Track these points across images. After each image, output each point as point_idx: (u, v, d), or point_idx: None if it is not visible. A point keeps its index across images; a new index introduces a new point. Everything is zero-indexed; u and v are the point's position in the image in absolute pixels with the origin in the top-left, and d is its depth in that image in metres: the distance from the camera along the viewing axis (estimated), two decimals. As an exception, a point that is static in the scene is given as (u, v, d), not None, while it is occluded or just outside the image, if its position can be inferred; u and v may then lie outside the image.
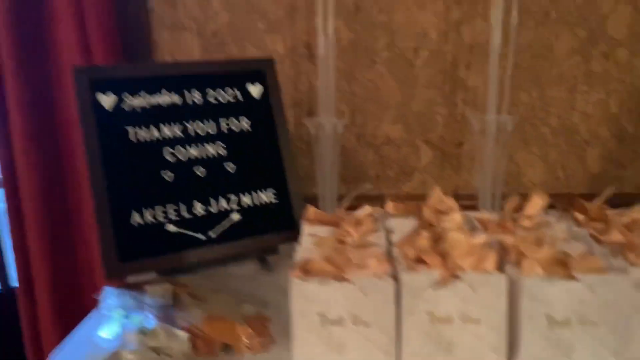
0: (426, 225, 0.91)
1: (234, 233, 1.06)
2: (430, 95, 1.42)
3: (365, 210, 0.97)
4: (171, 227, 1.02)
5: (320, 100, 1.24)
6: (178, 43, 1.42)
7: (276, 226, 1.09)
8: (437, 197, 0.96)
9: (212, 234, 1.04)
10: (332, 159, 1.27)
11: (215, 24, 1.41)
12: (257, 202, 1.09)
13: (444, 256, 0.78)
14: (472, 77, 1.40)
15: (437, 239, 0.83)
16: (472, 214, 0.98)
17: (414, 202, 1.00)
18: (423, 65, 1.40)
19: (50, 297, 1.31)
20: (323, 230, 0.92)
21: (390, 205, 1.00)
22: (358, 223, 0.92)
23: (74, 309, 1.35)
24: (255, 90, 1.14)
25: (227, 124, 1.10)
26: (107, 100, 1.02)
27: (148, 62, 1.40)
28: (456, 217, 0.89)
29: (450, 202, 0.95)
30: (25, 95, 1.24)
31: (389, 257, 0.81)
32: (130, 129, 1.03)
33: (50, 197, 1.30)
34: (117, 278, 0.97)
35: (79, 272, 1.37)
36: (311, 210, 0.97)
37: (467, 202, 1.43)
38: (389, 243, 0.87)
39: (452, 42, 1.38)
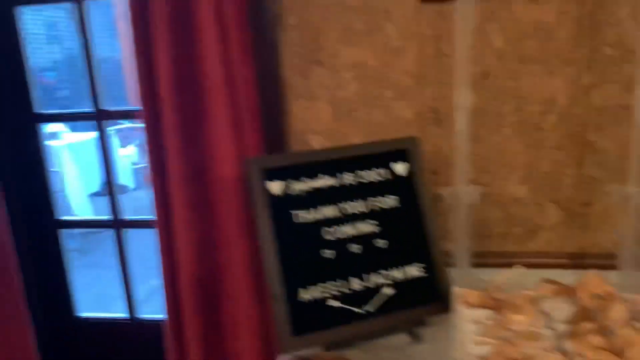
0: (586, 313, 0.95)
1: (388, 307, 1.14)
2: (557, 157, 1.45)
3: (521, 294, 1.02)
4: (333, 302, 1.12)
5: (457, 169, 1.30)
6: (311, 111, 1.53)
7: (425, 299, 1.17)
8: (593, 282, 1.00)
9: (369, 307, 1.13)
10: (466, 221, 1.33)
11: (345, 91, 1.51)
12: (407, 276, 1.17)
13: (619, 355, 0.82)
14: (602, 140, 1.41)
15: (605, 332, 0.87)
16: (629, 297, 1.01)
17: (566, 285, 1.04)
18: (551, 129, 1.43)
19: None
20: (481, 314, 0.99)
21: (543, 287, 1.04)
22: (517, 308, 0.98)
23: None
24: (400, 168, 1.23)
25: (377, 202, 1.19)
26: (275, 187, 1.13)
27: (284, 127, 1.52)
28: (619, 309, 0.92)
29: (608, 288, 0.99)
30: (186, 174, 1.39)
31: (562, 352, 0.86)
32: (294, 212, 1.13)
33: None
34: (290, 351, 1.08)
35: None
36: (466, 292, 1.03)
37: (597, 261, 1.46)
38: (554, 332, 0.92)
39: (581, 105, 1.41)
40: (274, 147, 1.52)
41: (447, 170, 1.48)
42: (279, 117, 1.55)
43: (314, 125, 1.54)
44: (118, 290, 1.91)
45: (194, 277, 1.46)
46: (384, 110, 1.50)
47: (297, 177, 1.15)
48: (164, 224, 1.46)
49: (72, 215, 4.43)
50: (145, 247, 2.15)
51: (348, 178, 1.19)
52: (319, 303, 1.11)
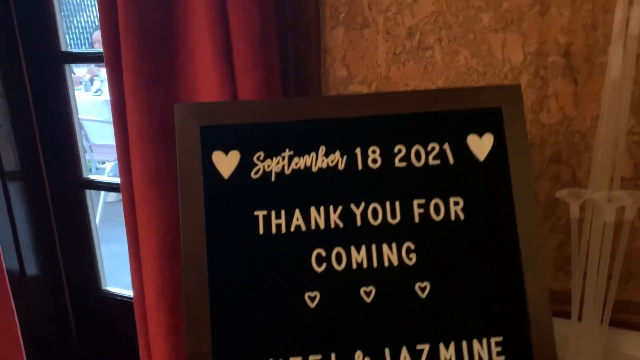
0: None
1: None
2: None
3: None
4: (311, 395, 0.57)
5: (599, 159, 0.67)
6: (356, 46, 0.96)
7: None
8: None
9: (382, 415, 0.58)
10: (606, 250, 0.70)
11: (412, 14, 0.92)
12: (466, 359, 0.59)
13: None
14: None
15: None
16: None
17: None
18: None
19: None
20: None
21: None
22: None
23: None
24: (479, 146, 0.63)
25: (424, 208, 0.61)
26: (225, 163, 0.60)
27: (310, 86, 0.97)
28: None
29: None
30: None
31: None
32: (258, 214, 0.60)
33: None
34: None
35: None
36: None
37: None
38: None
39: None
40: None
41: (578, 160, 0.86)
42: (304, 54, 1.00)
43: (361, 69, 0.98)
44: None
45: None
46: (475, 49, 0.89)
47: (270, 147, 0.61)
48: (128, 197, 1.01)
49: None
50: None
51: (372, 156, 0.62)
52: (285, 392, 0.57)
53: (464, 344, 0.59)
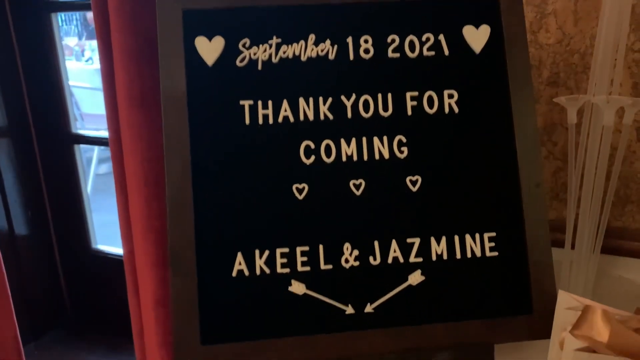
0: None
1: (411, 309, 0.56)
2: None
3: None
4: (298, 287, 0.55)
5: (596, 60, 0.65)
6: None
7: (494, 304, 0.57)
8: None
9: (369, 307, 0.56)
10: (602, 166, 0.68)
11: None
12: (458, 255, 0.57)
13: None
14: None
15: None
16: None
17: None
18: None
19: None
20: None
21: None
22: None
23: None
24: (475, 37, 0.60)
25: (417, 101, 0.59)
26: (209, 49, 0.57)
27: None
28: None
29: None
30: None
31: None
32: (244, 103, 0.57)
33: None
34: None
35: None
36: (585, 306, 0.42)
37: None
38: None
39: None
40: None
41: (576, 82, 0.84)
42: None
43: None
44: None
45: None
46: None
47: (257, 34, 0.58)
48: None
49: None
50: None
51: (364, 46, 0.59)
52: (272, 286, 0.55)
53: (456, 238, 0.57)
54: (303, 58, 0.58)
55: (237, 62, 0.57)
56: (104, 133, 1.48)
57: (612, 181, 0.68)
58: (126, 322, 1.05)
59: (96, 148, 3.20)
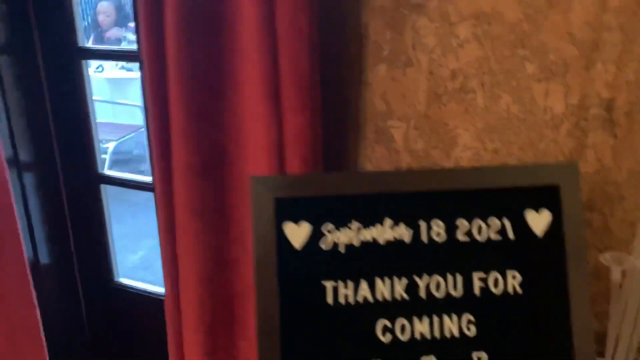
0: None
1: None
2: None
3: None
4: None
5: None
6: (398, 83, 0.98)
7: None
8: None
9: None
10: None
11: (457, 58, 0.93)
12: None
13: None
14: None
15: None
16: None
17: None
18: None
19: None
20: None
21: None
22: None
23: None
24: (537, 221, 0.65)
25: (483, 282, 0.64)
26: (297, 233, 0.62)
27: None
28: None
29: None
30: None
31: None
32: (326, 284, 0.62)
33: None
34: None
35: None
36: None
37: None
38: None
39: None
40: (333, 137, 1.00)
41: (611, 209, 0.89)
42: (347, 90, 1.01)
43: (401, 106, 0.99)
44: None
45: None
46: (517, 96, 0.91)
47: (339, 219, 0.63)
48: (168, 231, 1.02)
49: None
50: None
51: (436, 230, 0.64)
52: None
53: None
54: (381, 241, 0.63)
55: (322, 246, 0.62)
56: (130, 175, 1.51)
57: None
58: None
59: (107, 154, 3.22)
